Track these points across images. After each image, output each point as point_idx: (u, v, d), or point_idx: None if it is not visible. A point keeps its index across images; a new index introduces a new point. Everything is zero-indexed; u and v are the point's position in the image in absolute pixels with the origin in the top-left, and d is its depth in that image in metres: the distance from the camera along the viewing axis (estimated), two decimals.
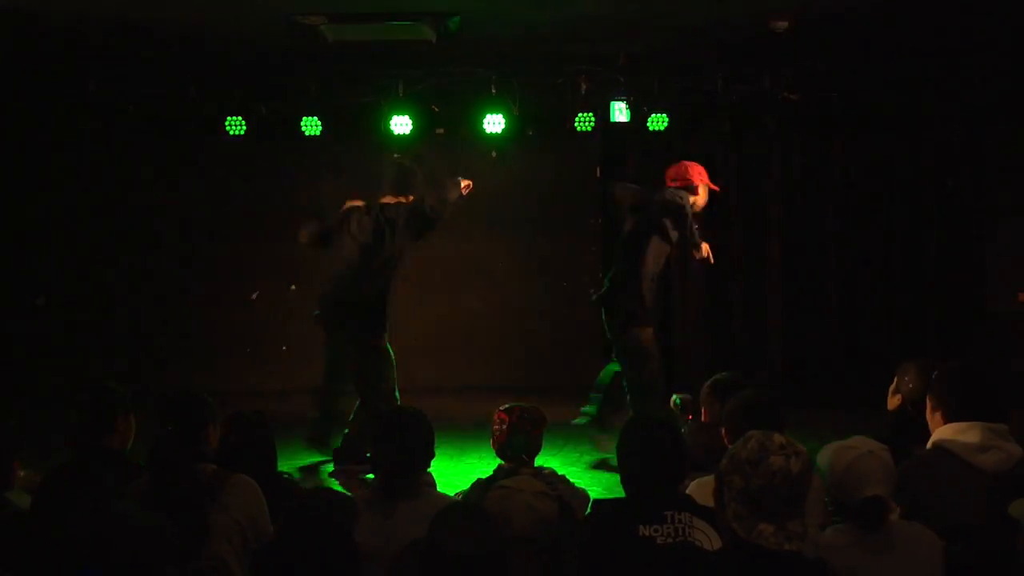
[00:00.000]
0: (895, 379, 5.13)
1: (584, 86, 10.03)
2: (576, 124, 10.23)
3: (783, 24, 8.20)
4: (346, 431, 7.83)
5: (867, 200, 11.34)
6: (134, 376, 10.37)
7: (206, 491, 4.01)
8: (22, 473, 4.23)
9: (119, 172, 11.48)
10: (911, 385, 5.00)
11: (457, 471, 7.64)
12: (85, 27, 8.38)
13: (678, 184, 8.00)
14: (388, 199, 7.82)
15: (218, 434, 4.36)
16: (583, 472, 7.66)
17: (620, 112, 10.11)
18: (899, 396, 5.08)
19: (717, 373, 5.65)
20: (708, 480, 3.58)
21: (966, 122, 10.86)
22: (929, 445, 4.36)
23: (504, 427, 4.89)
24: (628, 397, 7.75)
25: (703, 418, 5.44)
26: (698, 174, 8.03)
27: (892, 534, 3.53)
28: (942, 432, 4.32)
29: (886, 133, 11.21)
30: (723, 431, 4.47)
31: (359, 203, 7.89)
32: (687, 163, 8.15)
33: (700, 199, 8.04)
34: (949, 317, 11.20)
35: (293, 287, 11.73)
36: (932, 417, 4.46)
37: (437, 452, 4.36)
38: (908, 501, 4.05)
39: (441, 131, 10.93)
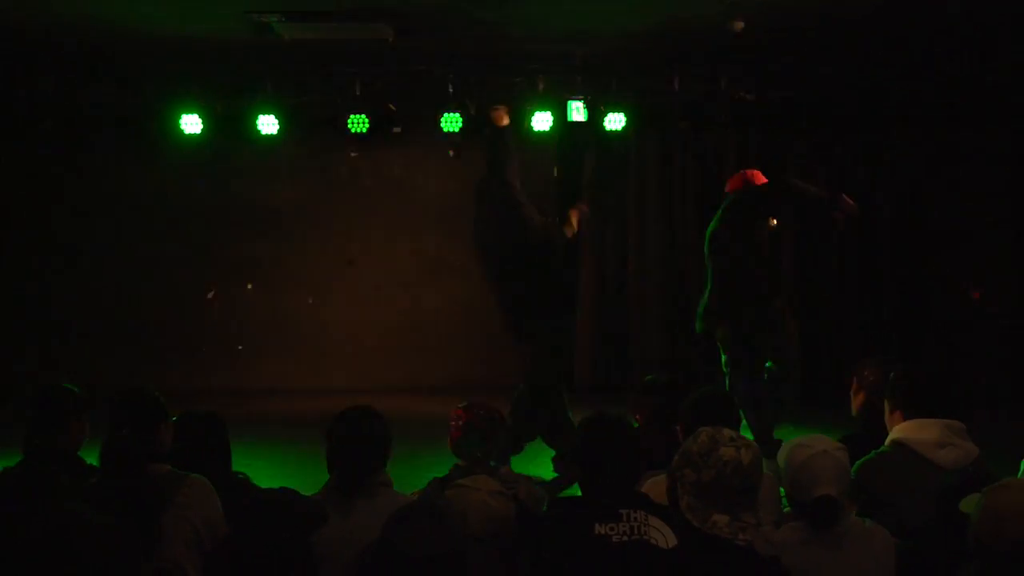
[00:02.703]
0: (854, 380, 5.18)
1: (541, 85, 10.03)
2: (533, 123, 10.24)
3: (739, 25, 8.24)
4: None
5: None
6: (86, 375, 10.29)
7: (159, 492, 3.96)
8: None
9: (73, 170, 11.38)
10: (872, 379, 5.06)
11: (414, 470, 7.61)
12: (39, 25, 8.29)
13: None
14: None
15: (171, 434, 4.30)
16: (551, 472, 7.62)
17: (577, 111, 10.14)
18: (863, 393, 5.12)
19: (648, 375, 5.68)
20: (663, 478, 3.59)
21: (919, 123, 10.95)
22: (887, 442, 4.41)
23: (461, 424, 4.87)
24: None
25: (637, 419, 5.39)
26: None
27: (845, 532, 3.56)
28: (900, 429, 4.39)
29: (842, 133, 11.29)
30: (679, 428, 4.48)
31: None
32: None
33: None
34: (904, 317, 11.30)
35: (249, 286, 11.67)
36: (891, 417, 4.52)
37: (394, 451, 4.33)
38: (867, 496, 4.10)
39: (398, 130, 10.91)
